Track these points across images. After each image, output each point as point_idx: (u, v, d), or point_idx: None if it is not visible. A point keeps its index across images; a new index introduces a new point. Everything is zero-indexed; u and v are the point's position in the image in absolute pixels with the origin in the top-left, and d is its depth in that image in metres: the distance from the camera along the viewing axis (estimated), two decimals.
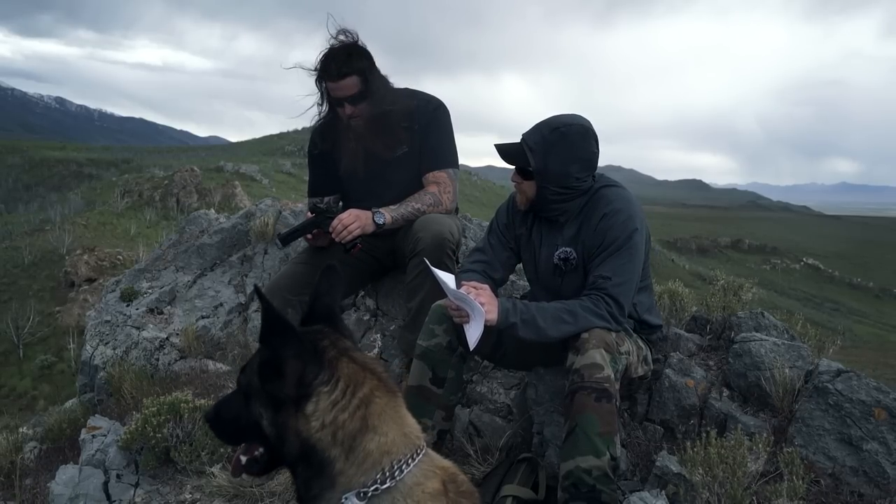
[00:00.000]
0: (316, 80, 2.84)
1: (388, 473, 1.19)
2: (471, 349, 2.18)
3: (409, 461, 1.22)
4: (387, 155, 2.92)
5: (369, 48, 2.85)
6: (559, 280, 2.37)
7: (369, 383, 1.24)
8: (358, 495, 1.18)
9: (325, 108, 2.93)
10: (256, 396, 1.23)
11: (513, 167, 2.35)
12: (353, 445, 1.19)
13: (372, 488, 1.18)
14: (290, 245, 3.06)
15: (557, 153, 2.22)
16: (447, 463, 1.35)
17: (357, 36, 2.81)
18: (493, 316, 2.11)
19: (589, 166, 2.28)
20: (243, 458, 1.34)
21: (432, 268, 2.22)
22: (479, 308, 2.08)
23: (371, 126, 2.86)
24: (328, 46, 2.78)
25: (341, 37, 2.79)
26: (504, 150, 2.31)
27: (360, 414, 1.20)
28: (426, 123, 2.95)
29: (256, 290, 1.19)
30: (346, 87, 2.76)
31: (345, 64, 2.73)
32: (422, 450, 1.26)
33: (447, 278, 2.21)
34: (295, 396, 1.19)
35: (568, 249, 2.32)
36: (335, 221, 2.72)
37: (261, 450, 1.31)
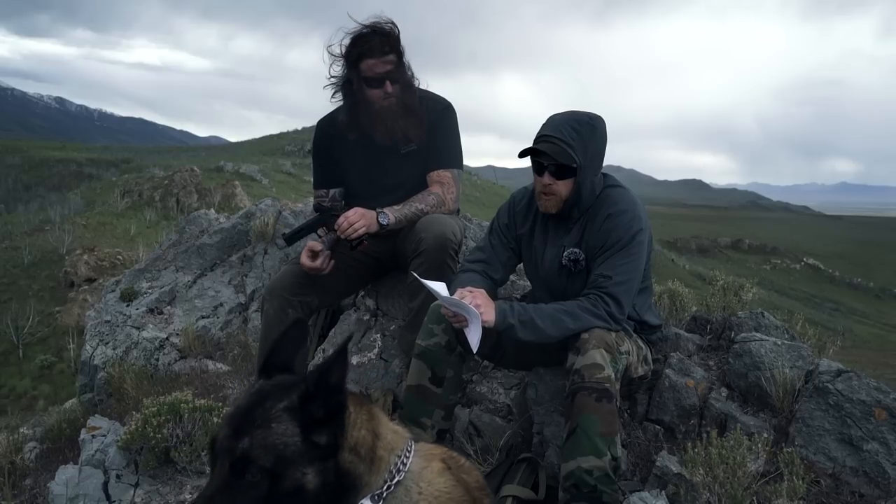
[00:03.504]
0: (349, 63, 2.82)
1: (394, 469, 1.28)
2: (473, 352, 2.19)
3: (408, 452, 1.32)
4: (418, 136, 2.92)
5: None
6: (565, 281, 2.36)
7: (363, 401, 1.34)
8: (372, 498, 1.25)
9: (354, 87, 2.87)
10: (298, 461, 1.19)
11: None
12: (373, 457, 1.27)
13: (385, 487, 1.26)
14: (292, 245, 3.05)
15: (593, 145, 2.22)
16: (438, 446, 1.46)
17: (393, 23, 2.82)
18: (489, 317, 2.11)
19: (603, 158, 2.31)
20: None
21: (421, 279, 2.23)
22: (475, 311, 2.08)
23: (402, 107, 2.87)
24: (359, 30, 2.77)
25: (373, 20, 2.79)
26: (543, 152, 2.19)
27: (369, 427, 1.29)
28: (433, 123, 2.95)
29: (340, 348, 1.20)
30: (386, 63, 2.78)
31: (385, 41, 2.76)
32: (412, 440, 1.36)
33: (438, 287, 2.22)
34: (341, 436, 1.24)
35: (577, 251, 2.31)
36: (341, 219, 2.72)
37: None
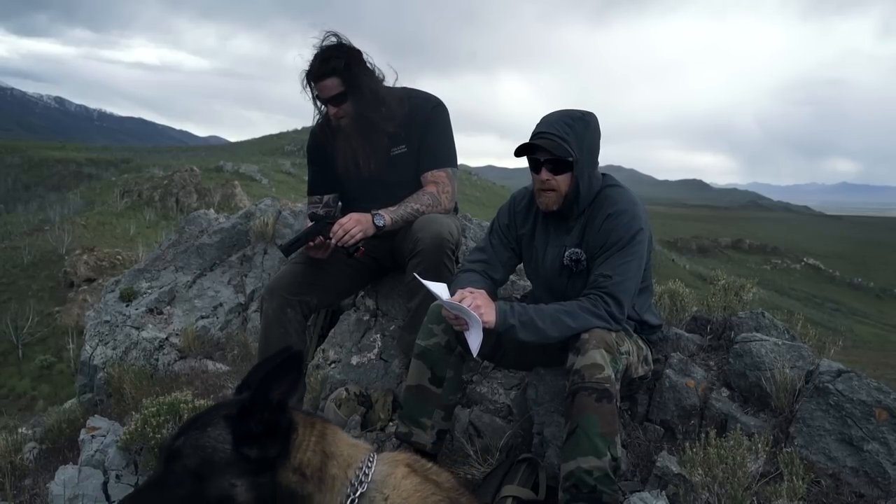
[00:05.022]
0: (306, 83, 2.85)
1: (356, 483, 1.28)
2: (474, 356, 2.18)
3: (370, 462, 1.31)
4: (378, 156, 2.91)
5: (364, 48, 2.86)
6: (566, 281, 2.36)
7: (317, 420, 1.34)
8: None
9: (321, 107, 2.94)
10: (225, 469, 1.21)
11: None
12: (322, 476, 1.27)
13: (349, 502, 1.25)
14: (290, 255, 3.04)
15: (587, 139, 2.23)
16: (402, 452, 1.46)
17: (342, 37, 2.82)
18: (490, 318, 2.11)
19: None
20: None
21: (423, 281, 2.21)
22: (476, 317, 2.08)
23: (357, 127, 2.87)
24: (315, 49, 2.80)
25: (331, 39, 2.81)
26: (540, 147, 2.21)
27: (318, 448, 1.28)
28: (424, 123, 2.93)
29: (284, 358, 1.21)
30: (326, 87, 2.79)
31: (323, 66, 2.76)
32: (374, 451, 1.36)
33: (439, 289, 2.20)
34: (280, 452, 1.24)
35: (578, 251, 2.30)
36: (336, 226, 2.70)
37: None
